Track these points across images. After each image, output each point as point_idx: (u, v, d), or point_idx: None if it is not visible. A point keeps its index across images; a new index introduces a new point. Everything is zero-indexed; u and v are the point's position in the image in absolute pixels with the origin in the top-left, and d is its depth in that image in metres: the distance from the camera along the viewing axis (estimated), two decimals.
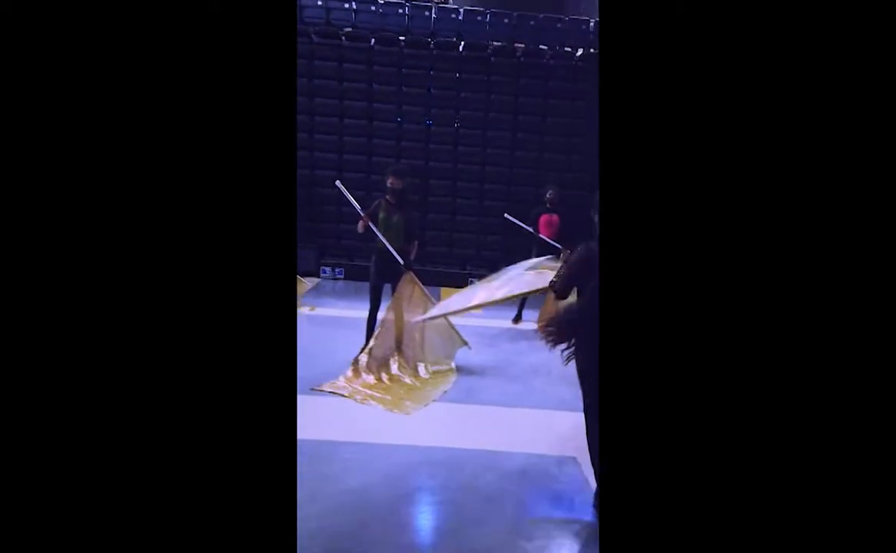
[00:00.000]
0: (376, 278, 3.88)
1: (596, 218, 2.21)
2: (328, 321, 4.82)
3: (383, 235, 3.71)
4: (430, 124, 6.60)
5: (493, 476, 2.55)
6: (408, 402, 3.27)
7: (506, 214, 5.13)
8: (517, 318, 5.24)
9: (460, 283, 6.56)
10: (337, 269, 6.65)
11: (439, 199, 6.72)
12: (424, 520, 2.18)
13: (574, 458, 2.63)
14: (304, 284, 5.41)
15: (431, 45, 6.50)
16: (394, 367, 3.65)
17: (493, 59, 6.56)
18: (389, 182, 3.75)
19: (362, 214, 3.69)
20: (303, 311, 5.00)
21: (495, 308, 5.70)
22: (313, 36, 6.39)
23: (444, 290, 6.39)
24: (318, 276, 6.66)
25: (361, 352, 3.69)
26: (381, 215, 3.76)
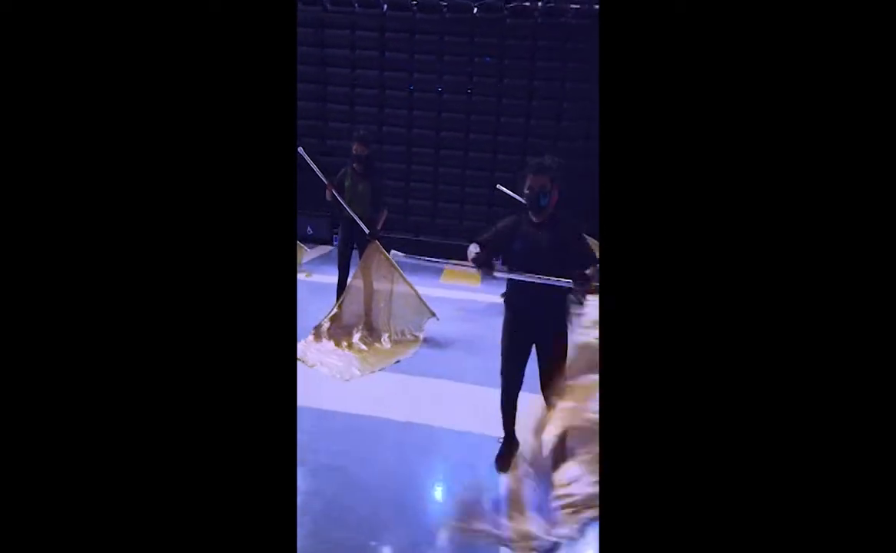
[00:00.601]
0: (343, 246, 3.91)
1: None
2: (318, 287, 4.92)
3: (349, 203, 3.71)
4: (440, 91, 6.43)
5: (397, 448, 2.52)
6: (354, 369, 3.30)
7: (498, 185, 4.92)
8: None
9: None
10: None
11: (449, 170, 6.59)
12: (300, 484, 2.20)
13: (498, 440, 2.54)
14: (304, 251, 5.56)
15: (444, 8, 6.28)
16: (355, 337, 3.69)
17: (508, 20, 6.23)
18: (354, 149, 3.71)
19: (326, 183, 3.70)
20: (298, 276, 5.17)
21: (486, 283, 5.55)
22: (327, 3, 6.39)
23: (447, 268, 6.30)
24: (332, 245, 6.81)
25: (326, 318, 3.76)
26: (347, 183, 3.75)
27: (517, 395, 2.32)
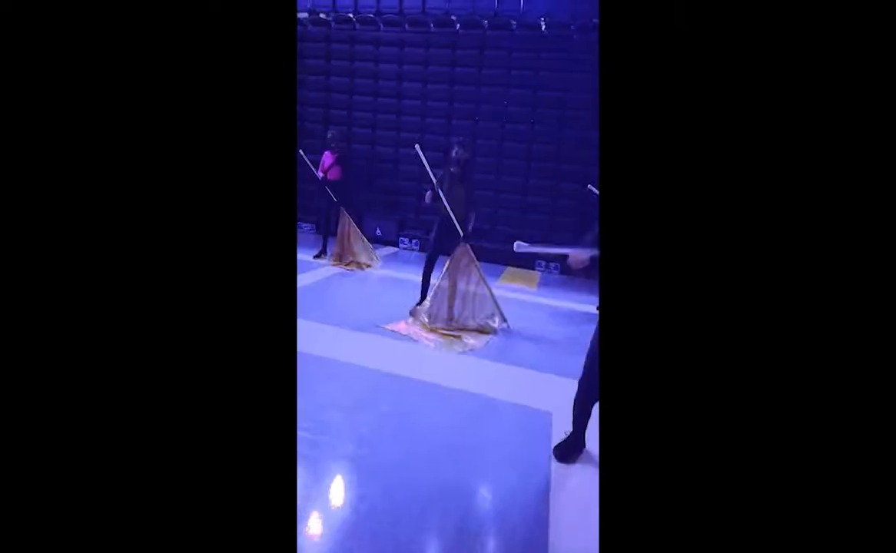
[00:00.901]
0: (435, 245, 4.30)
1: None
2: (391, 281, 5.57)
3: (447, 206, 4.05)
4: (506, 105, 6.78)
5: (470, 411, 2.87)
6: (455, 345, 3.90)
7: (589, 186, 5.54)
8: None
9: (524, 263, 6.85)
10: (413, 241, 7.37)
11: (482, 176, 7.04)
12: (366, 430, 2.51)
13: (566, 432, 2.48)
14: (376, 258, 6.11)
15: (485, 25, 6.81)
16: (440, 324, 4.20)
17: (546, 31, 6.65)
18: (455, 153, 4.08)
19: (434, 182, 4.05)
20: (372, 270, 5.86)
21: (540, 287, 5.96)
22: (381, 25, 6.92)
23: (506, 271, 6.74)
24: (397, 246, 7.44)
25: (417, 305, 4.33)
26: (445, 186, 3.99)
27: (593, 406, 2.29)
